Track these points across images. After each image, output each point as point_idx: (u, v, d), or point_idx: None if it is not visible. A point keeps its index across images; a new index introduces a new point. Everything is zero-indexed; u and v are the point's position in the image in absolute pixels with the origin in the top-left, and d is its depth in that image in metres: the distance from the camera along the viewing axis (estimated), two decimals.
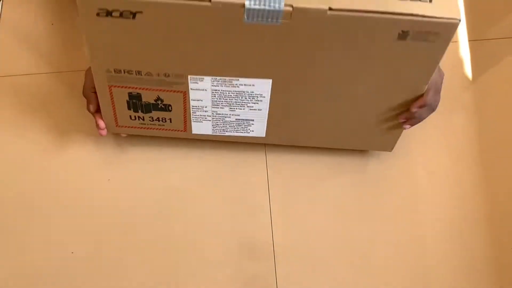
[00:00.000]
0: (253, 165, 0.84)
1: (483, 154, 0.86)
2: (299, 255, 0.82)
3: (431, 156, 0.86)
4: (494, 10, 0.91)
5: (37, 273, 0.80)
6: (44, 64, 0.88)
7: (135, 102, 0.73)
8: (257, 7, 0.55)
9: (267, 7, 0.55)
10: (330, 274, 0.80)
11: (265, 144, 0.85)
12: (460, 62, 0.89)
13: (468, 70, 0.89)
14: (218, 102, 0.72)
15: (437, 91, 0.71)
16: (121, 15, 0.58)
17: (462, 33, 0.90)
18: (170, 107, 0.73)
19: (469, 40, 0.90)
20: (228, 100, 0.72)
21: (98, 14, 0.58)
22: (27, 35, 0.87)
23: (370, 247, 0.83)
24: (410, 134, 0.83)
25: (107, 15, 0.58)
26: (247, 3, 0.55)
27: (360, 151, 0.85)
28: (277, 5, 0.55)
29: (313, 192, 0.84)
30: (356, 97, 0.70)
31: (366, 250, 0.83)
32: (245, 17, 0.56)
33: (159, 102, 0.72)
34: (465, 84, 0.88)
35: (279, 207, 0.83)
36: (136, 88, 0.70)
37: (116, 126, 0.77)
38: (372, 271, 0.82)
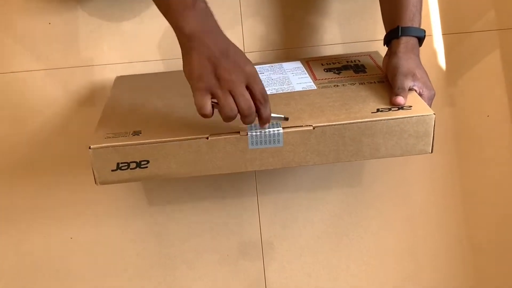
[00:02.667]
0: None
1: (459, 145, 0.90)
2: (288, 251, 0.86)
3: None
4: (467, 4, 0.92)
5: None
6: (41, 61, 0.89)
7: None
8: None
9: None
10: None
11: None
12: (434, 55, 0.91)
13: (442, 63, 0.92)
14: None
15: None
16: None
17: (436, 27, 0.93)
18: None
19: (443, 34, 0.93)
20: None
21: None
22: (25, 34, 0.89)
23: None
24: None
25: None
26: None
27: None
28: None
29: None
30: None
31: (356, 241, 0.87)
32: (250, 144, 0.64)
33: None
34: (439, 76, 0.91)
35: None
36: None
37: None
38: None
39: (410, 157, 0.88)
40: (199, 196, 0.87)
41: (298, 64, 0.81)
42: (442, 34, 0.93)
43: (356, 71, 0.77)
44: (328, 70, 0.78)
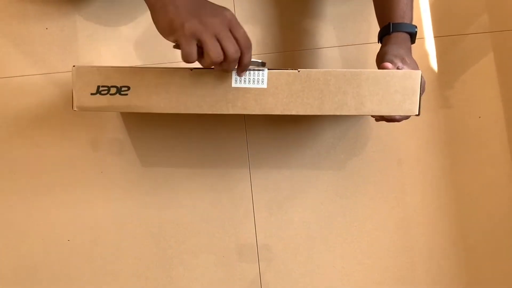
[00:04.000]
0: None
1: (451, 146, 0.91)
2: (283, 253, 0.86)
3: (402, 147, 0.90)
4: (460, 7, 0.94)
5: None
6: (39, 66, 0.90)
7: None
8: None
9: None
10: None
11: (248, 161, 0.88)
12: (427, 57, 0.92)
13: (434, 65, 0.93)
14: None
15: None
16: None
17: (428, 30, 0.93)
18: None
19: (434, 37, 0.93)
20: None
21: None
22: (23, 39, 0.89)
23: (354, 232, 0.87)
24: (381, 128, 0.88)
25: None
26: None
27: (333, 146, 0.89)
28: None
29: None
30: None
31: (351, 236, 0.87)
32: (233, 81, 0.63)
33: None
34: (432, 77, 0.92)
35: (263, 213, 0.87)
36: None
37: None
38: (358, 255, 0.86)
39: (404, 157, 0.89)
40: (195, 196, 0.87)
41: None
42: (435, 37, 0.93)
43: None
44: None
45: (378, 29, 0.78)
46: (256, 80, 0.63)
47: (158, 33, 0.86)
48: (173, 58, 0.87)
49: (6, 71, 0.90)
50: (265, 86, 0.63)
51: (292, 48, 0.90)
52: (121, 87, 0.63)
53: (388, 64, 0.67)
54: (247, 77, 0.63)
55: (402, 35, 0.73)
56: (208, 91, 0.63)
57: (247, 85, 0.63)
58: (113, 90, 0.63)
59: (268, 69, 0.63)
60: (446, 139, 0.91)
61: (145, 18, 0.91)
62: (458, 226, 0.88)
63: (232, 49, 0.58)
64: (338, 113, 0.64)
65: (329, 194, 0.88)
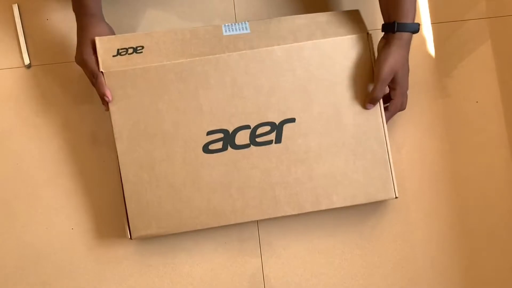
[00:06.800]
0: None
1: (449, 131, 0.92)
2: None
3: (400, 132, 0.91)
4: None
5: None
6: (39, 57, 0.91)
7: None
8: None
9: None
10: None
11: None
12: (423, 43, 0.93)
13: (432, 51, 0.94)
14: None
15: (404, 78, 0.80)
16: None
17: (425, 16, 0.94)
18: None
19: (432, 23, 0.94)
20: None
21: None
22: (24, 30, 0.90)
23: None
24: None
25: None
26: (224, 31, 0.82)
27: None
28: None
29: None
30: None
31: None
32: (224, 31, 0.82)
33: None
34: (430, 64, 0.93)
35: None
36: None
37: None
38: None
39: (402, 144, 0.90)
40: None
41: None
42: (432, 23, 0.94)
43: None
44: None
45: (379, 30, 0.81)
46: (241, 28, 0.82)
47: (159, 23, 0.88)
48: None
49: (8, 62, 0.90)
50: (249, 31, 0.82)
51: None
52: (137, 47, 0.80)
53: (370, 107, 0.81)
54: (233, 27, 0.82)
55: (406, 35, 0.78)
56: (205, 42, 0.80)
57: (235, 33, 0.82)
58: (130, 51, 0.79)
59: (249, 21, 0.83)
60: (444, 124, 0.91)
61: (145, 9, 0.91)
62: (455, 210, 0.89)
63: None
64: (309, 40, 0.82)
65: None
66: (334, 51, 0.81)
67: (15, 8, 0.90)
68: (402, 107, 0.83)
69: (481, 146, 0.91)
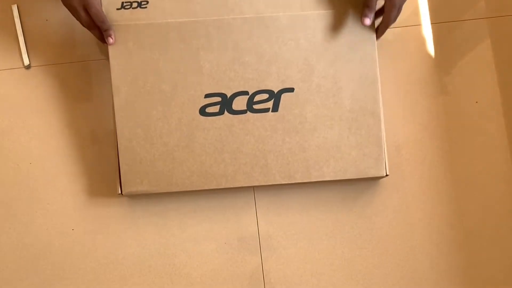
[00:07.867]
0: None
1: (447, 129, 0.92)
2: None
3: (400, 132, 0.91)
4: None
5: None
6: (39, 57, 0.90)
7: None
8: None
9: None
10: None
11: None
12: (423, 43, 0.93)
13: (432, 51, 0.94)
14: None
15: None
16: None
17: (425, 17, 0.94)
18: None
19: (431, 23, 0.94)
20: None
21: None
22: (23, 30, 0.90)
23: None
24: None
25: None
26: None
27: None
28: None
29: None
30: None
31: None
32: None
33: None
34: (430, 64, 0.93)
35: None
36: None
37: None
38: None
39: (401, 144, 0.90)
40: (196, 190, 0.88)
41: None
42: (432, 23, 0.94)
43: None
44: None
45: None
46: None
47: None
48: None
49: (7, 63, 0.90)
50: None
51: None
52: (141, 1, 0.79)
53: (366, 19, 0.78)
54: None
55: None
56: (212, 2, 0.79)
57: None
58: (134, 5, 0.79)
59: None
60: (444, 124, 0.91)
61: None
62: (455, 210, 0.89)
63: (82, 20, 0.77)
64: None
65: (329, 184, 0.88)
66: (340, 23, 0.81)
67: (15, 9, 0.91)
68: (394, 19, 0.80)
69: (481, 146, 0.91)
